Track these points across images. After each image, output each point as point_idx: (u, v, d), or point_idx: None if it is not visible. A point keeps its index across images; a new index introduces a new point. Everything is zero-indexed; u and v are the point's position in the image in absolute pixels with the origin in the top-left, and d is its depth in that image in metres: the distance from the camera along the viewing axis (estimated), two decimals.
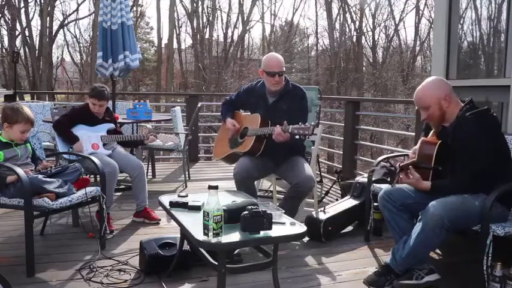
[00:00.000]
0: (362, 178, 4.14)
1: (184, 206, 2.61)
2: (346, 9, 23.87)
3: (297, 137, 3.04)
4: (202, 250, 2.43)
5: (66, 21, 22.56)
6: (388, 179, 2.76)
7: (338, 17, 24.06)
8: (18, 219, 3.49)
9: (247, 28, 23.63)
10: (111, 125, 3.97)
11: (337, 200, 4.50)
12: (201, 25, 22.73)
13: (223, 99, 3.75)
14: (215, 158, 3.79)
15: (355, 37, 24.15)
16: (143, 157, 5.86)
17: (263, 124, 3.34)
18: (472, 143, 2.50)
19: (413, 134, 5.06)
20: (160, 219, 3.87)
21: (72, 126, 3.82)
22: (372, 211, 3.51)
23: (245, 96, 3.61)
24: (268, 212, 2.20)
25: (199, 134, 7.76)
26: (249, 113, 3.56)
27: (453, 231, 2.61)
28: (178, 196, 2.73)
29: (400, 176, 2.72)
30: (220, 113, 3.76)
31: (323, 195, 4.96)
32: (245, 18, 23.01)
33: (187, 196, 2.73)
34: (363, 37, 24.65)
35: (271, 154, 3.37)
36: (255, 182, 3.48)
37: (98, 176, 3.61)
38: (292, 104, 3.39)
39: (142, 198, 3.86)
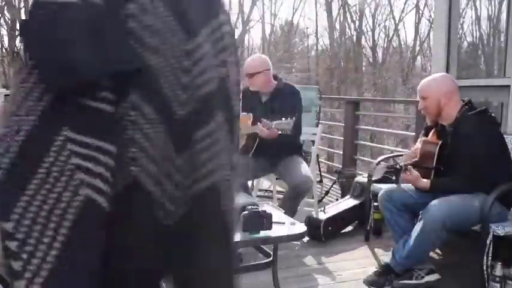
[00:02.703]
0: (362, 178, 4.14)
1: None
2: (346, 9, 23.90)
3: (280, 132, 3.05)
4: None
5: None
6: (393, 178, 2.78)
7: (338, 17, 24.09)
8: None
9: (247, 28, 23.67)
10: None
11: (337, 200, 4.49)
12: None
13: None
14: None
15: (355, 37, 24.16)
16: None
17: (255, 123, 3.34)
18: (473, 143, 2.52)
19: (413, 134, 5.05)
20: None
21: None
22: (372, 211, 3.51)
23: None
24: (268, 212, 2.21)
25: None
26: (242, 112, 3.56)
27: (453, 231, 2.61)
28: None
29: (402, 175, 2.74)
30: None
31: (323, 195, 4.96)
32: (245, 19, 23.04)
33: None
34: (363, 37, 24.68)
35: (265, 153, 3.36)
36: (255, 182, 3.48)
37: None
38: (285, 103, 3.40)
39: None
